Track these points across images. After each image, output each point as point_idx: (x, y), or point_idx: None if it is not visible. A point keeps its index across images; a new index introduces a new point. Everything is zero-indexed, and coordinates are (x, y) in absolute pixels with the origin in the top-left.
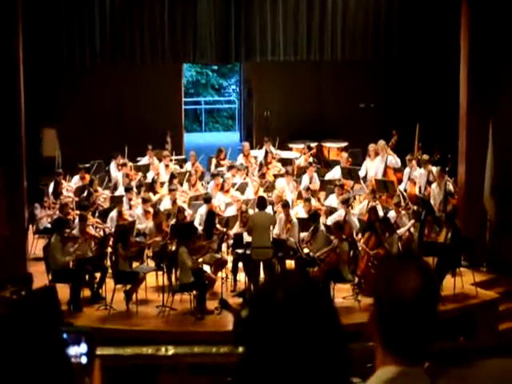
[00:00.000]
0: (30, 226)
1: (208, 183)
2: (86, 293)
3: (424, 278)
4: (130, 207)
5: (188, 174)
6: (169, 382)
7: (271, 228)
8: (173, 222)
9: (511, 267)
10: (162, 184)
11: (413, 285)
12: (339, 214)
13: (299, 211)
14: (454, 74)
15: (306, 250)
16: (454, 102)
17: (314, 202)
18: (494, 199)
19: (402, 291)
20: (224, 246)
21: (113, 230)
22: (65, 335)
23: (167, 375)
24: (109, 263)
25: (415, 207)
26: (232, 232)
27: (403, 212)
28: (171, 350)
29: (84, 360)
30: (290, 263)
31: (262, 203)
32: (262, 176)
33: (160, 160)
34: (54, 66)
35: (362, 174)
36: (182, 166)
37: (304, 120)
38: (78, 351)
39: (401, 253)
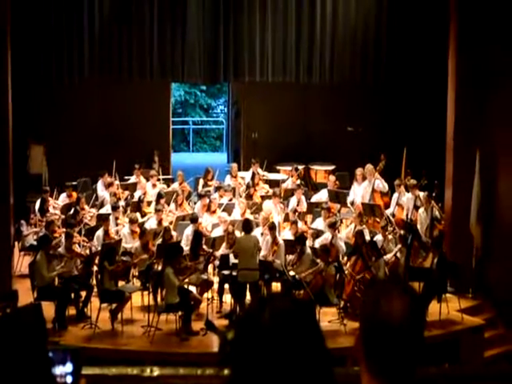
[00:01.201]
0: (16, 243)
1: (195, 203)
2: (72, 311)
3: (410, 302)
4: (117, 226)
5: (175, 193)
6: None
7: (257, 251)
8: (159, 241)
9: (497, 294)
10: (149, 203)
11: (399, 309)
12: (326, 237)
13: (286, 234)
14: (442, 100)
15: (291, 273)
16: (442, 127)
17: (300, 224)
18: (480, 225)
19: (388, 315)
20: (210, 266)
21: (99, 248)
22: (50, 354)
23: None
24: (94, 282)
25: (402, 232)
26: (218, 253)
27: (390, 236)
28: (156, 371)
29: (69, 380)
30: (276, 285)
31: (247, 226)
32: (249, 197)
33: (147, 179)
34: (43, 83)
35: (350, 198)
36: (169, 186)
37: (292, 142)
38: (63, 371)
39: (387, 277)
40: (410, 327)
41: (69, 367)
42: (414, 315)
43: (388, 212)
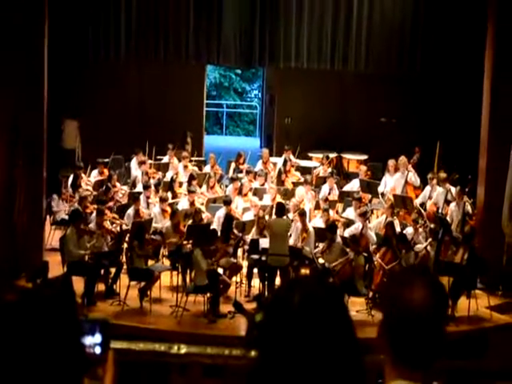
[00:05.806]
0: (48, 217)
1: (226, 186)
2: (101, 287)
3: (431, 291)
4: (148, 205)
5: (207, 176)
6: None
7: (288, 235)
8: (190, 222)
9: None
10: (181, 184)
11: (419, 298)
12: (356, 227)
13: (316, 221)
14: (478, 94)
15: (321, 261)
16: (477, 122)
17: (331, 213)
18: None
19: (409, 304)
20: (240, 251)
21: (129, 226)
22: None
23: (178, 376)
24: (124, 259)
25: (433, 225)
26: (248, 237)
27: (420, 229)
28: (183, 349)
29: (98, 350)
30: (305, 272)
31: (280, 209)
32: (281, 183)
33: (179, 160)
34: (79, 60)
35: (381, 189)
36: (200, 168)
37: (325, 130)
38: (92, 341)
39: (410, 266)
40: (430, 316)
41: (98, 338)
42: (435, 304)
43: (419, 204)
